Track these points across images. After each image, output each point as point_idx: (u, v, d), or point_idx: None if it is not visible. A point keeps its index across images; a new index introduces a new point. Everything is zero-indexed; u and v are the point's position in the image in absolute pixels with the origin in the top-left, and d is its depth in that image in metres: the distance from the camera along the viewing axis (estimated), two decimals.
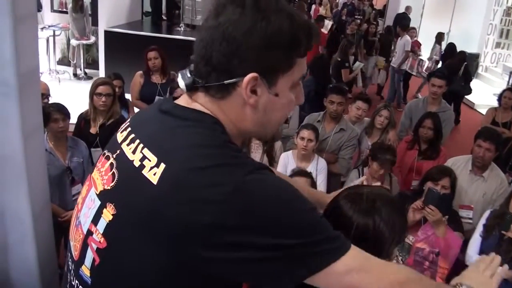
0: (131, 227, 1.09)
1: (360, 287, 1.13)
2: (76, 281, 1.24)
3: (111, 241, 1.14)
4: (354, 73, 8.82)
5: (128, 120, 1.33)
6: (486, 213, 3.68)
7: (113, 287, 1.16)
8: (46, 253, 2.46)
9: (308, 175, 3.61)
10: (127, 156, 1.17)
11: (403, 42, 10.35)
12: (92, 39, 9.79)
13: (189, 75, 1.17)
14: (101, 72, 8.55)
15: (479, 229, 3.62)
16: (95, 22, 9.31)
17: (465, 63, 9.62)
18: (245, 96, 1.12)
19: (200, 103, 1.17)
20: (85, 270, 1.20)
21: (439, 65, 11.29)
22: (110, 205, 1.15)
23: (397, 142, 5.07)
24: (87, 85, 4.93)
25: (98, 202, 1.19)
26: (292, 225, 1.06)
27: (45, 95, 4.07)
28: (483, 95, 12.11)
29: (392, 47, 11.29)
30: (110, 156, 1.23)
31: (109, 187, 1.18)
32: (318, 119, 4.73)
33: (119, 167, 1.19)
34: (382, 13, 16.49)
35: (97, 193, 1.20)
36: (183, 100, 1.21)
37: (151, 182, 1.07)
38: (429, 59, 11.81)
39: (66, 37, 10.22)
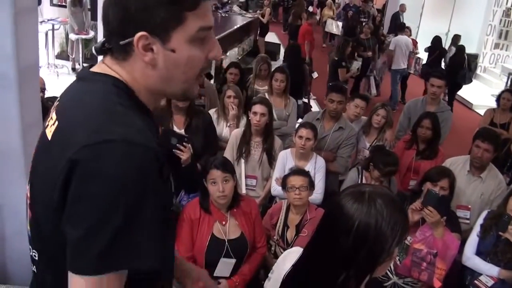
0: (37, 180, 1.24)
1: None
2: (29, 247, 1.34)
3: (32, 194, 1.27)
4: (351, 73, 8.81)
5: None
6: (484, 214, 3.69)
7: (40, 237, 1.25)
8: None
9: (306, 174, 3.62)
10: (46, 124, 1.28)
11: (393, 41, 10.41)
12: (91, 33, 9.76)
13: (101, 40, 1.25)
14: None
15: (476, 229, 3.62)
16: (94, 17, 9.29)
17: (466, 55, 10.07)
18: (140, 55, 1.16)
19: (108, 65, 1.23)
20: (28, 226, 1.32)
21: (425, 58, 11.34)
22: (32, 165, 1.29)
23: (394, 142, 5.08)
24: None
25: (31, 167, 1.31)
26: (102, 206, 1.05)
27: (41, 88, 4.06)
28: (481, 96, 12.11)
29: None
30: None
31: (35, 151, 1.32)
32: (317, 117, 4.73)
33: (41, 134, 1.30)
34: (382, 12, 16.50)
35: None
36: (98, 65, 1.28)
37: (47, 138, 1.21)
38: (444, 61, 11.81)
39: (65, 31, 10.16)
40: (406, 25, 11.46)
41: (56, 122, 1.19)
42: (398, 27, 11.15)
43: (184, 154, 3.50)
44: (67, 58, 10.10)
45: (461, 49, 10.47)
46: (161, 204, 1.14)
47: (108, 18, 1.17)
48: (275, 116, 5.01)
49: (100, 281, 1.05)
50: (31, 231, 1.30)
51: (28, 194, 1.29)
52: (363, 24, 11.33)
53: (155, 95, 1.28)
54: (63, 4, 10.40)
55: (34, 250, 1.30)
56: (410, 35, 11.66)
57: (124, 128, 1.10)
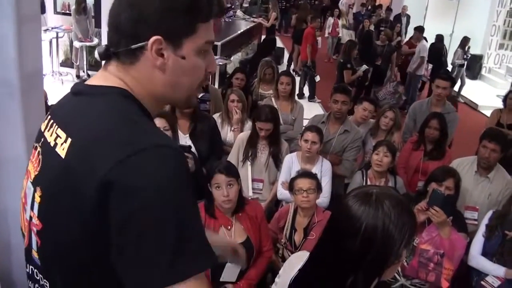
0: (52, 203, 1.16)
1: None
2: (31, 267, 1.31)
3: (44, 221, 1.20)
4: (357, 74, 8.78)
5: (50, 108, 1.40)
6: (489, 213, 3.68)
7: (55, 265, 1.20)
8: None
9: (313, 176, 3.60)
10: (47, 140, 1.23)
11: (420, 47, 10.25)
12: (95, 40, 9.79)
13: (103, 45, 1.23)
14: None
15: (482, 229, 3.61)
16: (98, 24, 9.32)
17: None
18: (152, 59, 1.16)
19: (112, 72, 1.22)
20: (34, 254, 1.26)
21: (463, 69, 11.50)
22: (38, 188, 1.21)
23: (402, 144, 5.06)
24: None
25: (32, 189, 1.25)
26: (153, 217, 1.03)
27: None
28: (486, 96, 12.08)
29: None
30: (37, 145, 1.29)
31: (37, 173, 1.24)
32: (323, 120, 4.71)
33: (43, 152, 1.25)
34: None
35: (31, 181, 1.27)
36: (96, 76, 1.26)
37: (60, 156, 1.14)
38: (452, 63, 11.78)
39: (69, 39, 10.21)
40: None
41: (69, 139, 1.14)
42: (420, 30, 11.01)
43: (188, 164, 3.49)
44: (71, 66, 10.14)
45: (440, 38, 11.11)
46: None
47: (118, 20, 1.16)
48: (281, 120, 5.00)
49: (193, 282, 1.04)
50: (42, 260, 1.24)
51: (36, 221, 1.22)
52: (384, 30, 11.04)
53: (158, 101, 1.27)
54: (67, 12, 10.43)
55: (45, 280, 1.25)
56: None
57: (148, 135, 1.11)
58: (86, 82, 1.27)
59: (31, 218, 1.25)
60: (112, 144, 1.07)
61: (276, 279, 1.81)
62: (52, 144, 1.19)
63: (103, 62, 1.27)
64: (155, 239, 1.02)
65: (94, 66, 10.02)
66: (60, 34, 9.76)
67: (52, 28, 9.63)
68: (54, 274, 1.23)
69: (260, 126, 4.20)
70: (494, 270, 3.43)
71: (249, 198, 3.77)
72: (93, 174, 1.03)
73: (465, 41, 11.84)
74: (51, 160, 1.17)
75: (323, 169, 4.20)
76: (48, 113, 1.33)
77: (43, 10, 9.51)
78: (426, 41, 10.83)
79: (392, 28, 12.69)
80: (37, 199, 1.21)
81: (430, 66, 10.78)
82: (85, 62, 9.84)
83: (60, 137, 1.17)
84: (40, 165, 1.24)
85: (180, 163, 1.10)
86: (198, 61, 1.21)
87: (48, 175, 1.19)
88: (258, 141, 4.31)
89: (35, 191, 1.23)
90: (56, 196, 1.14)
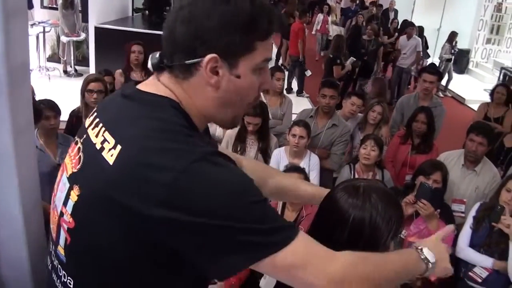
0: (92, 206, 1.15)
1: (297, 282, 1.15)
2: (56, 261, 1.30)
3: (78, 220, 1.20)
4: (346, 69, 8.79)
5: (96, 106, 1.38)
6: (476, 206, 3.71)
7: (84, 264, 1.22)
8: (38, 249, 2.44)
9: (301, 170, 3.61)
10: (91, 140, 1.22)
11: (415, 42, 10.25)
12: (82, 35, 9.71)
13: (157, 56, 1.23)
14: (91, 69, 8.49)
15: (469, 221, 3.64)
16: (85, 19, 9.25)
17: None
18: (206, 76, 1.15)
19: (164, 83, 1.21)
20: (60, 250, 1.27)
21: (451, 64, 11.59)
22: (76, 187, 1.20)
23: (389, 138, 5.09)
24: (77, 82, 4.90)
25: (67, 185, 1.24)
26: (231, 213, 1.07)
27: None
28: (474, 90, 12.16)
29: None
30: (79, 141, 1.28)
31: (76, 170, 1.23)
32: (311, 115, 4.73)
33: (84, 150, 1.24)
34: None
35: (68, 176, 1.26)
36: (148, 82, 1.26)
37: (108, 162, 1.12)
38: (439, 58, 11.84)
39: (56, 34, 10.11)
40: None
41: (118, 146, 1.12)
42: (413, 26, 10.97)
43: None
44: (58, 61, 10.04)
45: (420, 30, 11.45)
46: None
47: (174, 34, 1.15)
48: (270, 115, 5.01)
49: (296, 243, 1.11)
50: (69, 257, 1.25)
51: (68, 219, 1.22)
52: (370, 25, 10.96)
53: (206, 118, 1.26)
54: (54, 6, 10.34)
55: (69, 278, 1.25)
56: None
57: (196, 146, 1.11)
58: (137, 86, 1.26)
59: (62, 214, 1.25)
60: (166, 156, 1.08)
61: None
62: (98, 147, 1.17)
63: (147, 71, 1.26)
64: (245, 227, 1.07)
65: (81, 61, 9.96)
66: (47, 29, 9.67)
67: (39, 23, 9.54)
68: (81, 273, 1.24)
69: (249, 120, 4.20)
70: (482, 261, 3.47)
71: None
72: (147, 182, 1.06)
73: (452, 35, 11.92)
74: (96, 163, 1.15)
75: (311, 163, 4.21)
76: (94, 109, 1.32)
77: (30, 4, 9.43)
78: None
79: (385, 24, 12.74)
80: (73, 197, 1.20)
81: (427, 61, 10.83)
82: (72, 57, 9.74)
83: (108, 142, 1.15)
84: (80, 163, 1.22)
85: (228, 166, 1.14)
86: (253, 79, 1.20)
87: (92, 178, 1.17)
88: (246, 136, 4.31)
89: (71, 188, 1.22)
90: (99, 201, 1.13)
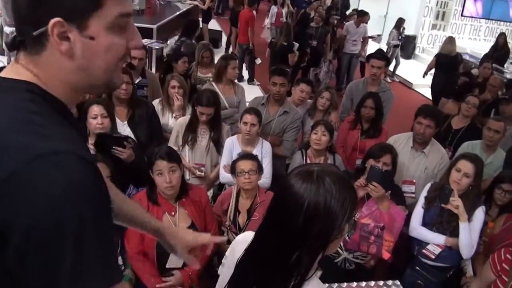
0: None
1: None
2: None
3: None
4: (296, 55, 8.83)
5: None
6: (427, 186, 3.81)
7: None
8: None
9: (254, 158, 3.62)
10: None
11: (364, 29, 10.44)
12: None
13: (12, 34, 1.13)
14: None
15: (421, 201, 3.74)
16: None
17: None
18: (55, 44, 1.03)
19: (23, 63, 1.08)
20: None
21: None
22: None
23: (339, 123, 5.16)
24: None
25: None
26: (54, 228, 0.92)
27: None
28: (420, 75, 12.40)
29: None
30: None
31: None
32: (262, 102, 4.74)
33: None
34: None
35: None
36: (8, 67, 1.12)
37: None
38: (387, 44, 12.04)
39: None
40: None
41: None
42: (363, 14, 11.05)
43: (124, 154, 3.43)
44: (2, 53, 9.66)
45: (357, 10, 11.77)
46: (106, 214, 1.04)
47: (18, 7, 1.03)
48: (226, 104, 4.99)
49: None
50: None
51: None
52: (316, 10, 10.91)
53: (76, 89, 1.14)
54: None
55: None
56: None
57: (49, 139, 0.97)
58: (0, 74, 1.12)
59: None
60: (10, 149, 0.94)
61: (223, 261, 1.81)
62: None
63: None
64: (50, 263, 0.92)
65: None
66: None
67: None
68: None
69: (201, 111, 4.16)
70: (435, 239, 3.57)
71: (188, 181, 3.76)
72: None
73: (400, 22, 12.15)
74: None
75: (263, 150, 4.22)
76: None
77: None
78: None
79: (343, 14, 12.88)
80: None
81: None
82: None
83: None
84: None
85: (81, 171, 0.96)
86: (113, 39, 1.09)
87: None
88: (198, 126, 4.27)
89: None
90: None
